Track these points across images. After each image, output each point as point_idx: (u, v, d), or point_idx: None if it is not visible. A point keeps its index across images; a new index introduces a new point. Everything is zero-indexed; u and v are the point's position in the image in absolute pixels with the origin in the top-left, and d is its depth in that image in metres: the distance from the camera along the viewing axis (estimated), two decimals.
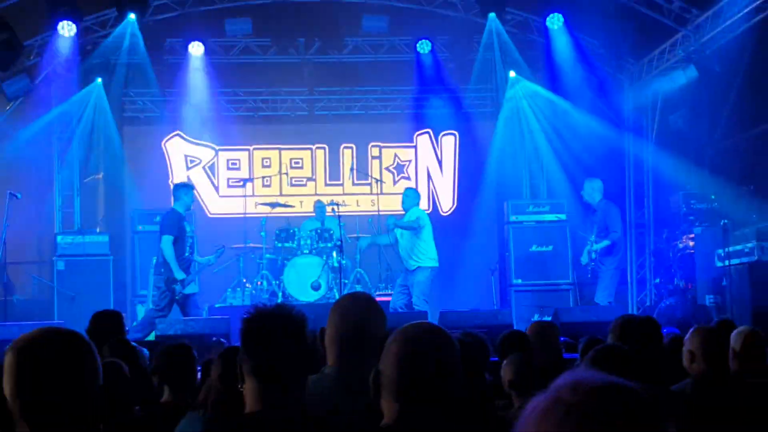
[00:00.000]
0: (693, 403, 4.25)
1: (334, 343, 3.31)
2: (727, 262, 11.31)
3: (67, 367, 2.14)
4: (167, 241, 11.04)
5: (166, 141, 15.61)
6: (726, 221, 11.41)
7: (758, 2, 11.08)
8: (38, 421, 2.10)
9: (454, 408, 2.52)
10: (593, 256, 12.01)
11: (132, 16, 13.39)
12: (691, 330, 4.80)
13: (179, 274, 10.99)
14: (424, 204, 15.63)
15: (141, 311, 13.41)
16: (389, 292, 13.25)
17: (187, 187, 11.69)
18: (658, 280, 13.68)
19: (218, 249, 11.80)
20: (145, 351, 6.71)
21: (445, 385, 2.47)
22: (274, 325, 2.72)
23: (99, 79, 14.67)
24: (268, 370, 2.67)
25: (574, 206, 13.63)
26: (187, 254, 11.32)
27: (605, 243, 11.92)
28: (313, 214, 14.03)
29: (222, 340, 8.49)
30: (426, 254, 12.10)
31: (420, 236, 12.06)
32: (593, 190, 12.12)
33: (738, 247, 11.23)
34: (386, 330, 3.33)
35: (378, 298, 3.65)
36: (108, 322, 6.46)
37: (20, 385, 2.12)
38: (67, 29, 13.04)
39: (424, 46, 14.55)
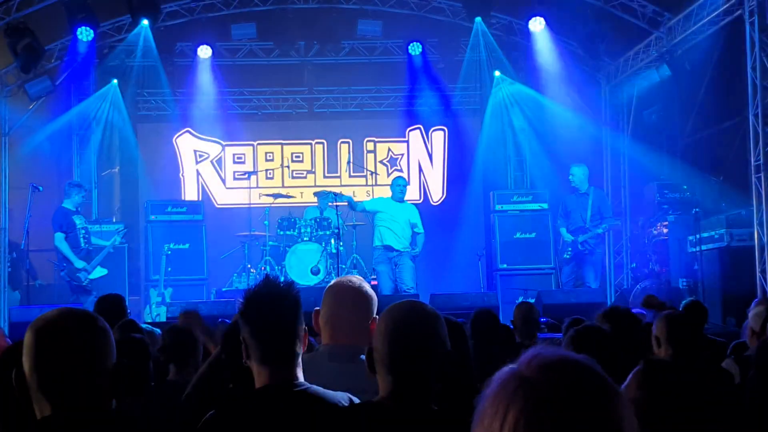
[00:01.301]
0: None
1: (327, 324, 3.25)
2: (698, 248, 11.22)
3: (81, 344, 2.13)
4: (59, 238, 11.41)
5: (177, 137, 15.54)
6: (697, 210, 11.31)
7: (725, 6, 10.96)
8: (55, 393, 2.09)
9: (444, 382, 2.49)
10: (591, 242, 11.95)
11: (145, 22, 13.25)
12: (658, 316, 4.67)
13: (78, 264, 11.35)
14: (416, 194, 15.63)
15: (153, 294, 13.33)
16: None
17: (78, 187, 11.93)
18: (634, 265, 13.58)
19: (120, 231, 11.79)
20: (158, 331, 6.61)
21: (433, 357, 2.44)
22: (273, 307, 2.70)
23: (115, 81, 14.57)
24: (271, 351, 2.67)
25: (555, 196, 13.52)
26: (83, 245, 11.55)
27: (603, 227, 11.98)
28: (316, 203, 13.89)
29: (227, 321, 8.37)
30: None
31: None
32: (584, 176, 12.10)
33: (708, 234, 11.14)
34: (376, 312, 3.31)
35: (372, 282, 3.51)
36: (111, 306, 6.45)
37: (39, 362, 2.11)
38: (85, 34, 12.88)
39: (415, 48, 14.38)
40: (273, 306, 2.70)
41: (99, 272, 11.61)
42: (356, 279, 3.40)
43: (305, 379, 2.78)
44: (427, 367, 2.43)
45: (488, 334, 5.61)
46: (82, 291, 11.51)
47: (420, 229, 12.70)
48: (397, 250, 12.39)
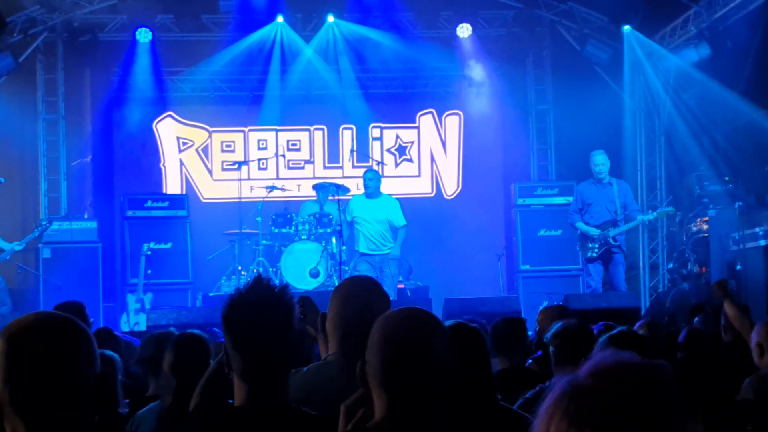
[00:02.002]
0: None
1: (337, 329, 3.29)
2: (742, 246, 11.29)
3: (61, 354, 2.11)
4: None
5: (158, 122, 15.55)
6: (741, 203, 11.37)
7: None
8: (29, 411, 2.08)
9: (447, 400, 2.46)
10: (620, 237, 11.94)
11: None
12: (759, 323, 4.79)
13: None
14: (428, 187, 15.71)
15: (131, 300, 13.39)
16: None
17: None
18: (671, 265, 13.66)
19: (37, 227, 11.81)
20: (135, 341, 6.70)
21: (432, 370, 2.40)
22: (261, 316, 2.65)
23: (87, 58, 14.59)
24: (256, 367, 2.63)
25: None
26: None
27: (655, 214, 12.05)
28: (314, 197, 13.92)
29: (215, 330, 8.49)
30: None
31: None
32: (607, 165, 12.05)
33: (753, 230, 11.20)
34: None
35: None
36: (71, 314, 6.40)
37: (11, 373, 2.09)
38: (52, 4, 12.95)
39: (427, 22, 14.48)
40: (260, 313, 2.64)
41: None
42: (368, 278, 3.50)
43: (312, 394, 2.87)
44: (426, 381, 2.38)
45: (513, 346, 5.67)
46: None
47: (400, 221, 12.75)
48: (379, 255, 12.57)
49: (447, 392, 2.42)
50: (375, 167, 14.69)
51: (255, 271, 13.25)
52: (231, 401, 3.45)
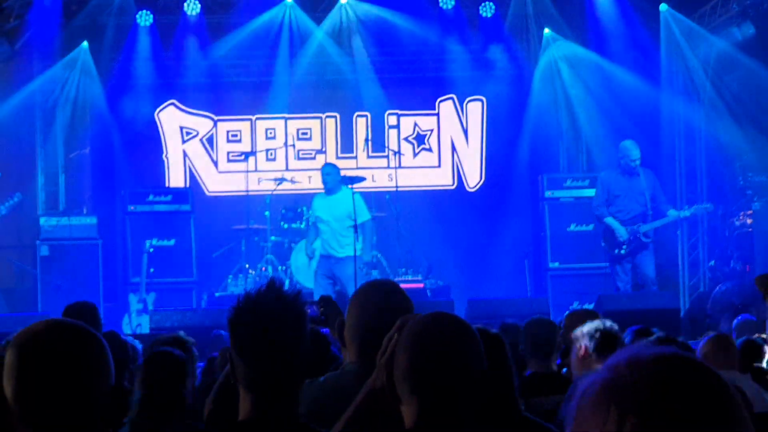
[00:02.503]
0: None
1: (356, 337, 3.28)
2: None
3: (74, 366, 2.12)
4: None
5: (160, 111, 15.54)
6: None
7: None
8: (41, 425, 2.09)
9: (478, 409, 2.42)
10: (649, 233, 11.90)
11: None
12: None
13: None
14: (449, 179, 15.66)
15: (133, 301, 13.44)
16: (410, 277, 13.24)
17: None
18: (713, 263, 13.60)
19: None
20: (138, 345, 6.73)
21: (465, 377, 2.38)
22: (270, 322, 2.62)
23: (85, 43, 14.65)
24: (262, 379, 2.61)
25: None
26: None
27: (692, 210, 12.04)
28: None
29: (222, 333, 8.50)
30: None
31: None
32: (640, 156, 12.00)
33: None
34: None
35: (401, 285, 3.60)
36: (80, 316, 6.27)
37: (22, 387, 2.10)
38: None
39: (447, 2, 14.44)
40: (270, 320, 2.62)
41: None
42: (389, 282, 3.48)
43: (326, 406, 2.85)
44: (460, 386, 2.36)
45: (545, 347, 5.67)
46: None
47: (362, 216, 12.34)
48: (335, 257, 12.30)
49: (480, 399, 2.40)
50: (392, 157, 14.70)
51: (264, 270, 13.28)
52: None
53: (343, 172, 13.85)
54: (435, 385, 2.34)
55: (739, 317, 7.63)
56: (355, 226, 12.07)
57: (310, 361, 2.96)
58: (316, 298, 11.49)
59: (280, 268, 13.32)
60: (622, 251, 11.87)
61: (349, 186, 13.12)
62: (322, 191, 13.58)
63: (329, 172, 12.68)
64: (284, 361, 2.62)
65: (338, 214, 12.29)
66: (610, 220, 11.96)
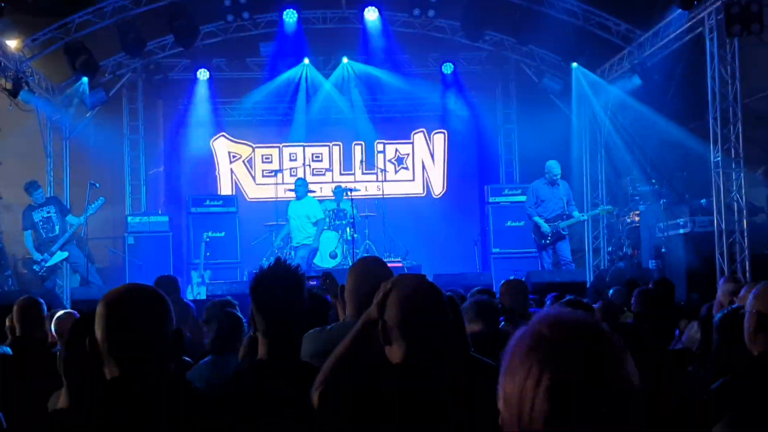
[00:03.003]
0: None
1: (353, 298, 3.21)
2: (666, 234, 11.18)
3: (146, 314, 2.12)
4: (26, 236, 11.55)
5: (214, 140, 15.51)
6: (665, 200, 11.27)
7: (689, 24, 10.94)
8: (123, 357, 2.09)
9: (450, 350, 2.39)
10: (565, 228, 11.85)
11: (185, 41, 13.19)
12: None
13: (36, 256, 11.46)
14: (420, 189, 15.59)
15: (194, 276, 13.35)
16: (392, 259, 13.16)
17: (30, 185, 11.74)
18: (610, 248, 13.54)
19: (91, 204, 11.65)
20: (192, 305, 6.65)
21: (442, 326, 2.34)
22: (278, 287, 2.65)
23: (160, 93, 14.55)
24: (272, 326, 2.62)
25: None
26: (43, 236, 11.54)
27: (599, 211, 12.11)
28: (333, 197, 13.87)
29: None
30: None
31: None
32: (560, 171, 11.95)
33: (674, 221, 11.10)
34: None
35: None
36: (167, 283, 6.71)
37: (109, 330, 2.11)
38: (135, 52, 12.86)
39: (419, 62, 14.34)
40: (277, 285, 2.65)
41: (59, 257, 11.55)
42: (376, 258, 3.40)
43: (334, 347, 2.76)
44: (436, 334, 2.31)
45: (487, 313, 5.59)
46: (39, 280, 11.50)
47: (317, 216, 12.55)
48: (296, 245, 12.59)
49: (449, 343, 2.38)
50: (379, 173, 14.64)
51: (288, 253, 13.17)
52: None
53: (344, 185, 13.84)
54: (419, 333, 2.30)
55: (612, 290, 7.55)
56: (315, 223, 12.46)
57: (315, 316, 2.89)
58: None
59: (283, 257, 13.20)
60: (547, 241, 11.82)
61: (349, 193, 13.07)
62: (333, 198, 13.56)
63: (300, 184, 12.84)
64: (287, 312, 2.64)
65: (301, 213, 12.47)
66: (537, 219, 11.87)
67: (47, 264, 11.44)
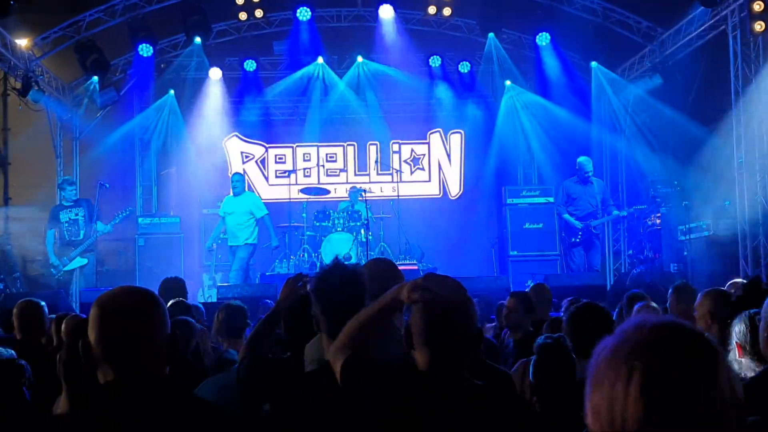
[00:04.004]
0: None
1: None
2: (687, 236, 11.11)
3: (140, 317, 2.11)
4: (49, 235, 11.50)
5: (226, 140, 15.54)
6: (687, 202, 11.20)
7: (711, 22, 10.89)
8: (117, 361, 2.08)
9: (474, 356, 2.39)
10: (600, 227, 11.82)
11: (198, 39, 13.30)
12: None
13: (53, 260, 11.40)
14: (437, 190, 15.57)
15: (206, 278, 13.37)
16: (407, 261, 13.14)
17: (63, 182, 11.78)
18: (630, 252, 13.47)
19: (119, 214, 11.66)
20: (202, 308, 6.70)
21: (466, 332, 2.32)
22: (342, 288, 2.68)
23: (172, 91, 14.65)
24: (337, 326, 2.60)
25: (559, 190, 13.38)
26: (66, 238, 11.47)
27: (630, 210, 11.99)
28: (347, 198, 13.86)
29: (268, 301, 8.42)
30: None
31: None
32: (592, 166, 11.95)
33: (697, 224, 11.03)
34: None
35: (400, 267, 3.50)
36: (173, 286, 6.75)
37: (102, 333, 2.10)
38: (145, 50, 12.95)
39: (435, 61, 14.32)
40: (342, 285, 2.68)
41: (77, 263, 11.48)
42: (386, 260, 3.39)
43: None
44: (462, 338, 2.31)
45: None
46: (55, 282, 11.44)
47: (259, 212, 12.32)
48: (234, 246, 12.28)
49: (475, 348, 2.37)
50: (395, 174, 14.64)
51: (301, 256, 13.16)
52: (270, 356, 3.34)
53: (358, 186, 13.84)
54: (443, 342, 2.30)
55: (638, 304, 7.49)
56: (256, 220, 12.20)
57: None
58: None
59: (313, 254, 13.21)
60: (577, 239, 11.85)
61: (364, 194, 13.06)
62: (348, 199, 13.55)
63: (238, 179, 12.60)
64: (353, 312, 2.60)
65: (242, 209, 12.24)
66: (567, 216, 11.95)
67: (65, 268, 11.41)
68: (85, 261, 11.60)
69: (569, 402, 3.22)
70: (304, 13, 13.06)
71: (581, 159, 11.99)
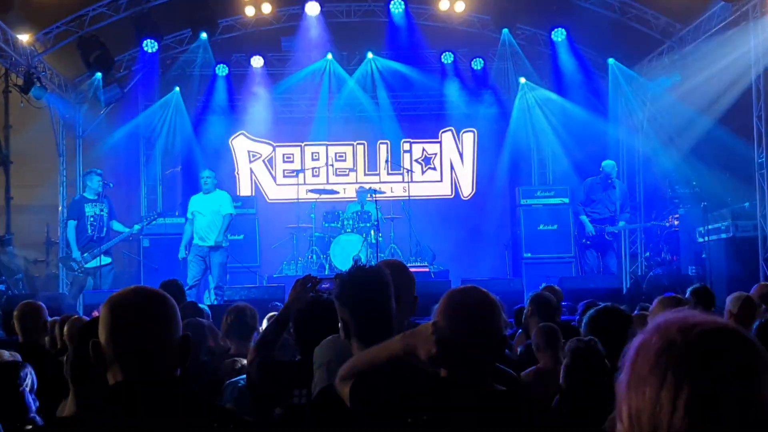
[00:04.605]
0: None
1: None
2: (706, 238, 11.07)
3: (151, 318, 2.11)
4: (70, 226, 11.28)
5: (233, 139, 15.58)
6: (705, 203, 11.18)
7: (731, 18, 10.83)
8: (127, 362, 2.08)
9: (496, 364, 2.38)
10: (616, 232, 11.83)
11: (204, 35, 13.32)
12: None
13: (76, 254, 11.19)
14: (448, 190, 15.56)
15: (211, 280, 13.35)
16: (418, 263, 13.15)
17: (90, 173, 11.59)
18: (648, 254, 13.44)
19: (148, 216, 11.60)
20: (208, 310, 6.72)
21: (492, 341, 2.31)
22: (369, 291, 2.69)
23: (177, 88, 14.65)
24: (365, 330, 2.64)
25: (574, 191, 13.36)
26: (89, 233, 11.31)
27: (651, 224, 11.98)
28: (356, 199, 13.88)
29: (278, 303, 8.44)
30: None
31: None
32: (616, 172, 12.01)
33: (715, 225, 10.99)
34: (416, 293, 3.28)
35: (411, 269, 3.50)
36: (171, 290, 6.47)
37: (113, 334, 2.10)
38: (150, 46, 12.98)
39: (447, 57, 14.33)
40: (369, 287, 2.70)
41: (97, 262, 11.29)
42: (397, 261, 3.39)
43: (349, 356, 2.77)
44: (486, 349, 2.30)
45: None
46: (75, 280, 11.32)
47: (226, 210, 11.68)
48: (204, 246, 11.62)
49: (499, 354, 2.36)
50: (405, 174, 14.63)
51: (310, 258, 13.16)
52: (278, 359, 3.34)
53: (367, 186, 13.84)
54: (466, 352, 2.28)
55: (664, 294, 7.47)
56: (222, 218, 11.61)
57: (325, 321, 2.88)
58: (192, 273, 11.29)
59: (322, 256, 13.22)
60: (588, 242, 11.87)
61: (373, 195, 13.07)
62: (338, 199, 13.54)
63: (209, 176, 11.87)
64: (382, 315, 2.68)
65: (212, 208, 11.68)
66: (583, 218, 12.03)
67: (87, 265, 11.28)
68: (109, 260, 11.52)
69: (601, 406, 3.22)
70: (313, 8, 13.08)
71: (606, 163, 12.03)
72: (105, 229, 11.56)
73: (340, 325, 2.73)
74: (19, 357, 4.54)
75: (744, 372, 1.20)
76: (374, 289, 2.70)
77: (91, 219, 11.42)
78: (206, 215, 11.70)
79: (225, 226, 11.69)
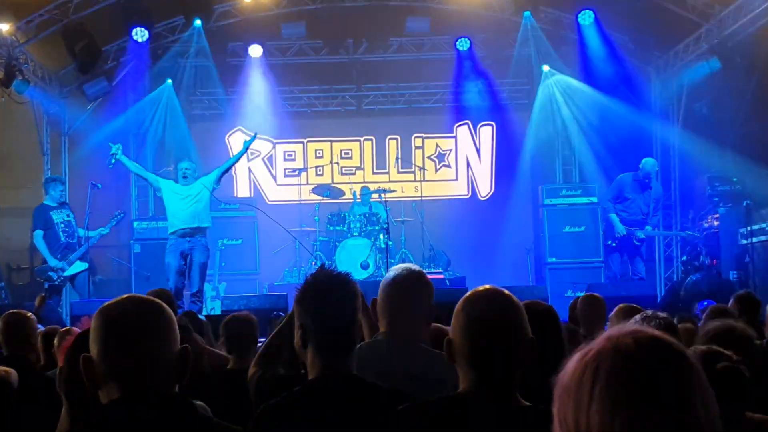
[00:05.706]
0: None
1: (386, 312, 3.20)
2: (749, 240, 11.01)
3: (147, 330, 2.11)
4: (37, 236, 11.26)
5: (229, 135, 15.57)
6: (748, 202, 11.13)
7: None
8: (123, 377, 2.07)
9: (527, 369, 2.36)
10: (640, 239, 11.79)
11: (198, 21, 13.33)
12: None
13: (52, 262, 11.18)
14: (464, 190, 15.53)
15: (208, 289, 13.35)
16: (432, 270, 13.11)
17: (54, 181, 11.66)
18: (684, 258, 13.36)
19: (114, 217, 11.61)
20: (203, 319, 6.72)
21: (516, 349, 2.30)
22: (333, 297, 2.62)
23: (169, 80, 14.67)
24: (328, 341, 2.60)
25: (604, 189, 13.29)
26: (63, 240, 11.33)
27: (686, 234, 12.12)
28: (359, 200, 13.87)
29: (281, 313, 8.42)
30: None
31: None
32: (656, 172, 11.95)
33: (760, 226, 10.93)
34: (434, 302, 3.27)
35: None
36: (160, 300, 6.47)
37: (106, 347, 2.08)
38: (140, 35, 12.98)
39: (463, 44, 14.28)
40: (331, 295, 2.63)
41: (78, 267, 11.36)
42: (414, 267, 3.35)
43: (365, 368, 2.73)
44: (511, 359, 2.29)
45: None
46: (53, 290, 11.37)
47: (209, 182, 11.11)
48: (186, 239, 10.85)
49: (526, 364, 2.33)
50: (417, 172, 14.60)
51: (314, 264, 13.15)
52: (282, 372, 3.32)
53: (376, 185, 13.82)
54: (487, 359, 2.28)
55: (704, 302, 7.39)
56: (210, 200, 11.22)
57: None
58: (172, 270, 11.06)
59: (327, 262, 13.20)
60: (613, 244, 11.80)
61: (382, 195, 13.05)
62: (344, 200, 13.50)
63: (190, 167, 11.35)
64: (345, 324, 2.63)
65: (193, 192, 11.08)
66: (612, 216, 11.96)
67: (65, 274, 11.42)
68: (86, 265, 11.58)
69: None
70: None
71: (646, 161, 11.94)
72: (76, 233, 11.61)
73: (297, 331, 2.67)
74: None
75: (674, 392, 1.30)
76: (342, 296, 2.63)
77: (62, 225, 11.47)
78: (187, 206, 11.03)
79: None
